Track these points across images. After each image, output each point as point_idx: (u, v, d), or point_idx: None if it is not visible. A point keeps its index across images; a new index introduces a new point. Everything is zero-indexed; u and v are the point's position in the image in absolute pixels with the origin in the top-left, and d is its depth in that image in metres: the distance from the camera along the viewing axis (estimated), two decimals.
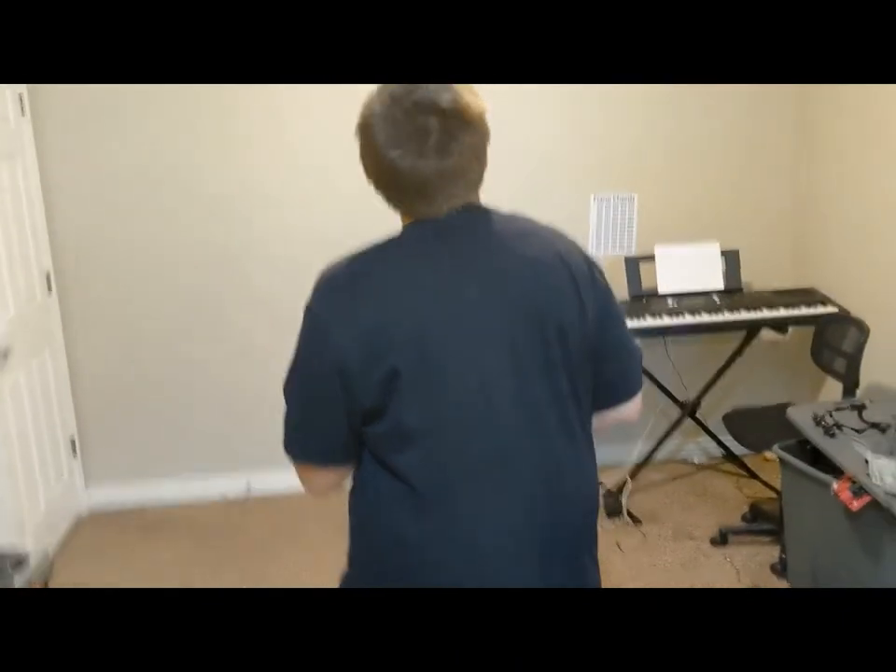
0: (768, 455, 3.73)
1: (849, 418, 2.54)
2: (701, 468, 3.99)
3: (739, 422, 3.31)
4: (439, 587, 1.22)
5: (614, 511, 3.53)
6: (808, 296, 3.59)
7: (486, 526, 1.24)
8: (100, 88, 3.49)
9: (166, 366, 3.78)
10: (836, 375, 3.23)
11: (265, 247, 3.70)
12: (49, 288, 3.59)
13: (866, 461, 2.22)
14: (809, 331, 3.48)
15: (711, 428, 3.79)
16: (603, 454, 4.25)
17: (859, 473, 2.20)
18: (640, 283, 3.62)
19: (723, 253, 3.65)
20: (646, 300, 3.55)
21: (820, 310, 3.46)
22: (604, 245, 3.79)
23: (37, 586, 2.42)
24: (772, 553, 3.14)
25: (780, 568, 3.00)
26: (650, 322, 3.41)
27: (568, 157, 3.76)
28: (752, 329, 3.61)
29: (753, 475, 3.75)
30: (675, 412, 3.77)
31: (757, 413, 3.38)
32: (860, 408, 2.58)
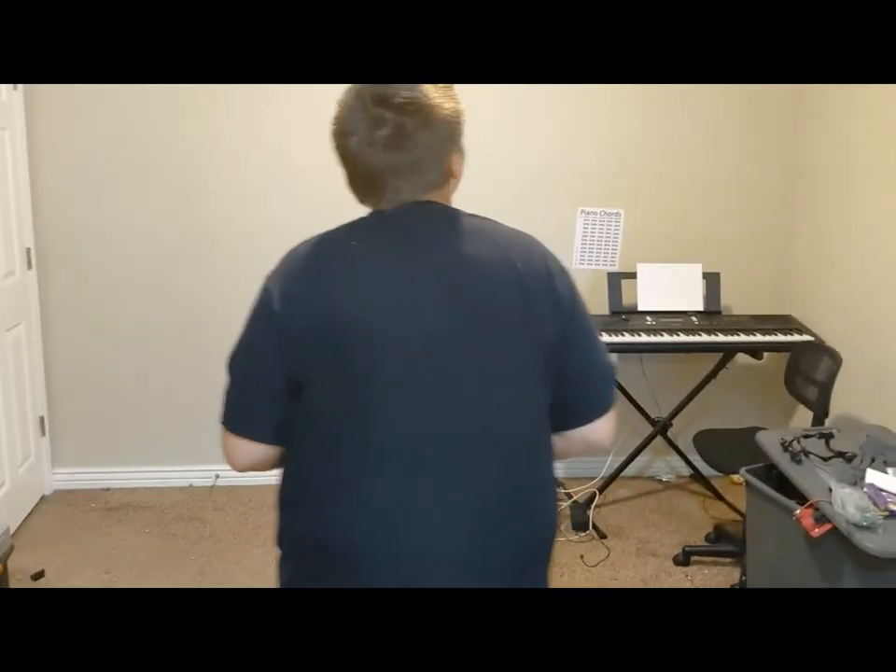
0: (735, 477, 3.77)
1: (817, 446, 2.56)
2: (669, 486, 4.02)
3: (709, 443, 3.34)
4: (357, 572, 1.22)
5: (580, 525, 3.54)
6: (785, 323, 3.63)
7: (404, 517, 1.21)
8: None
9: (140, 351, 3.76)
10: (807, 403, 3.27)
11: (246, 235, 3.69)
12: (30, 265, 3.56)
13: (830, 489, 2.25)
14: (784, 358, 3.52)
15: (681, 448, 3.82)
16: (572, 466, 4.29)
17: (822, 501, 2.23)
18: (621, 299, 3.65)
19: (705, 275, 3.69)
20: (625, 316, 3.58)
21: (796, 338, 3.50)
22: (587, 259, 3.81)
23: None
24: (733, 574, 3.17)
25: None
26: (627, 339, 3.43)
27: (557, 170, 3.78)
28: (728, 352, 3.64)
29: (719, 497, 3.78)
30: (646, 428, 3.80)
31: (727, 435, 3.41)
32: (827, 436, 2.61)
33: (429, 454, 1.22)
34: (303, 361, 1.24)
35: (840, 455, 2.50)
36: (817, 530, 2.19)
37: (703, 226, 3.89)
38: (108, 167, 3.59)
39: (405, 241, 1.28)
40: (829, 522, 2.18)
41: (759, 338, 3.50)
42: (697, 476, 3.87)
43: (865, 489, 2.24)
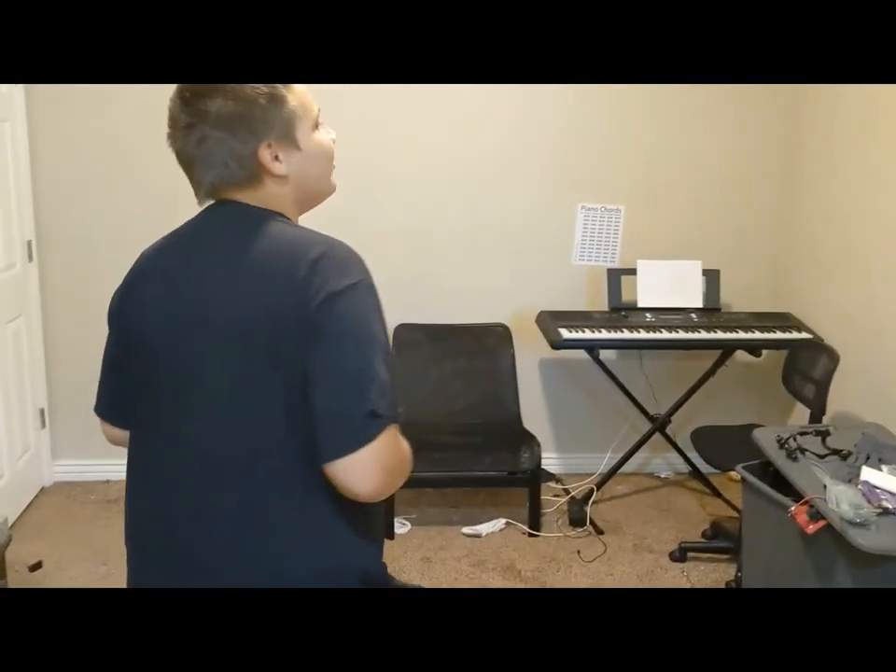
0: (733, 474, 3.77)
1: (813, 443, 2.57)
2: (667, 482, 4.02)
3: (706, 440, 3.34)
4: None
5: (578, 521, 3.55)
6: (784, 321, 3.63)
7: (174, 525, 1.23)
8: None
9: None
10: (805, 401, 3.27)
11: None
12: (30, 257, 3.57)
13: (825, 486, 2.25)
14: (782, 356, 3.53)
15: (680, 444, 3.82)
16: (570, 462, 4.29)
17: (817, 498, 2.24)
18: (621, 295, 3.65)
19: (705, 272, 3.69)
20: (625, 312, 3.58)
21: (794, 335, 3.50)
22: (587, 255, 3.82)
23: None
24: (728, 570, 3.18)
25: (735, 587, 3.03)
26: (626, 335, 3.44)
27: (558, 166, 3.79)
28: (727, 349, 3.65)
29: (717, 493, 3.78)
30: (645, 425, 3.81)
31: (724, 432, 3.41)
32: (823, 434, 2.61)
33: (188, 469, 1.21)
34: (125, 360, 1.31)
35: (836, 452, 2.51)
36: (811, 527, 2.20)
37: (703, 223, 3.89)
38: (110, 159, 3.60)
39: (190, 247, 1.26)
40: (823, 519, 2.18)
41: (758, 335, 3.50)
42: (695, 473, 3.88)
43: (860, 486, 2.24)
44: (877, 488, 2.24)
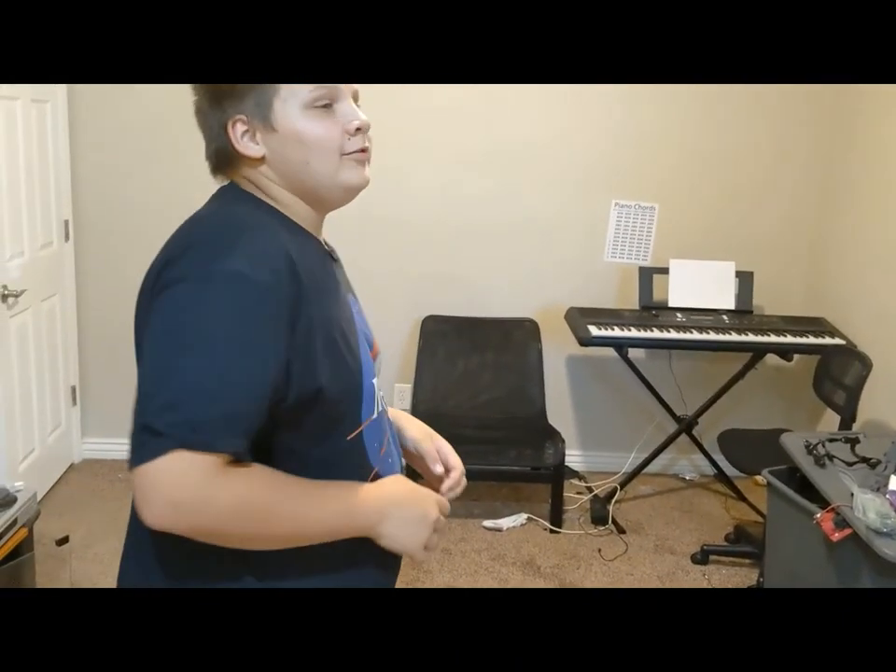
0: (759, 479, 3.74)
1: (842, 450, 2.54)
2: (691, 484, 4.00)
3: (733, 443, 3.31)
4: None
5: (600, 519, 3.54)
6: (816, 325, 3.59)
7: None
8: None
9: None
10: (835, 407, 3.23)
11: None
12: (67, 237, 3.62)
13: (852, 494, 2.23)
14: (814, 361, 3.48)
15: (706, 447, 3.79)
16: (594, 461, 4.28)
17: (843, 506, 2.21)
18: (652, 294, 3.63)
19: (738, 273, 3.65)
20: (655, 311, 3.56)
21: (827, 340, 3.46)
22: (620, 253, 3.80)
23: (21, 527, 2.46)
24: (750, 575, 3.15)
25: None
26: (656, 335, 3.41)
27: (593, 162, 3.76)
28: (758, 352, 3.61)
29: (742, 497, 3.75)
30: (671, 425, 3.78)
31: (752, 436, 3.38)
32: (853, 441, 2.58)
33: None
34: None
35: (864, 460, 2.47)
36: (837, 535, 2.17)
37: (738, 224, 3.85)
38: (148, 141, 3.63)
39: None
40: (849, 527, 2.16)
41: (789, 339, 3.46)
42: (721, 476, 3.84)
43: (888, 496, 2.21)
44: None
